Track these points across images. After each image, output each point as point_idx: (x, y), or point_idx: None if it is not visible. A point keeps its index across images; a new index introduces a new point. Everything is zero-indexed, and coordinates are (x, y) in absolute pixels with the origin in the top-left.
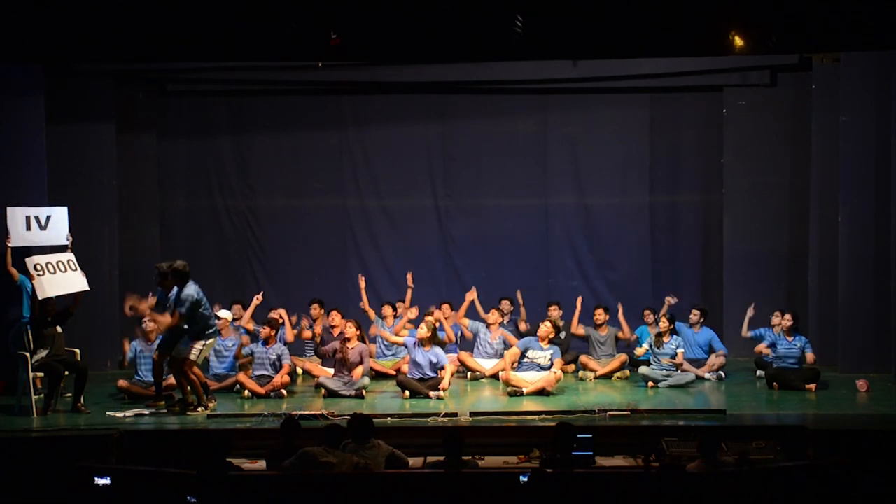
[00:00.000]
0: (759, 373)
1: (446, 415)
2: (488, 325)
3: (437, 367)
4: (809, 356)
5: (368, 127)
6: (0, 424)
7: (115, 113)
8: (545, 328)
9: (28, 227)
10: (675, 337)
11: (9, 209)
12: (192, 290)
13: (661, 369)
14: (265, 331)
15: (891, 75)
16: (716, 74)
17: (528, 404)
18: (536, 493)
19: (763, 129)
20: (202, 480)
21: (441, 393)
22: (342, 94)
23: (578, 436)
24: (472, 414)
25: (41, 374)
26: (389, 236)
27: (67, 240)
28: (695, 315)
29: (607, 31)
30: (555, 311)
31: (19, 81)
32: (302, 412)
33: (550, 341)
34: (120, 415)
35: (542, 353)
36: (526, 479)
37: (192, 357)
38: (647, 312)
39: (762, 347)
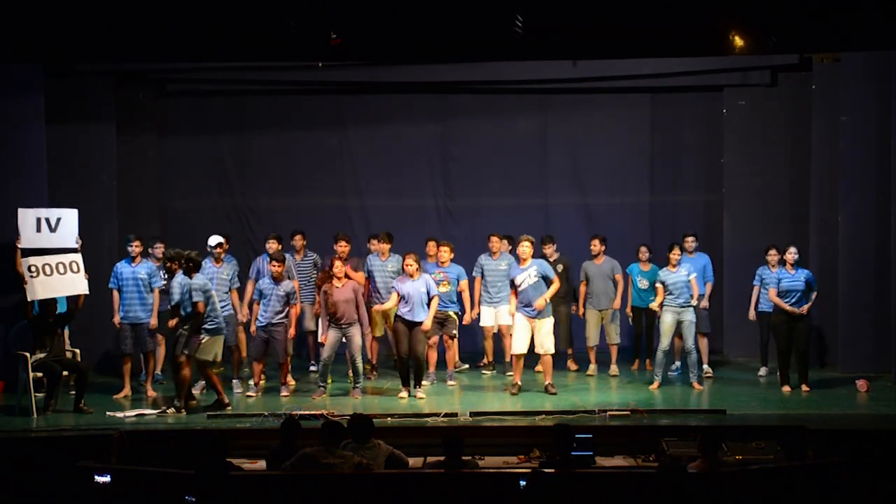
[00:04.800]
0: (761, 371)
1: (446, 415)
2: (492, 254)
3: (429, 297)
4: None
5: (368, 127)
6: (0, 424)
7: (115, 113)
8: (524, 248)
9: (38, 229)
10: (682, 264)
11: (20, 210)
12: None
13: (680, 304)
14: (275, 267)
15: (891, 75)
16: (716, 74)
17: (529, 404)
18: (535, 493)
19: (763, 129)
20: (202, 480)
21: (419, 392)
22: (342, 94)
23: (578, 436)
24: (472, 414)
25: (41, 374)
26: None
27: (77, 242)
28: (690, 242)
29: (607, 31)
30: (549, 249)
31: (19, 81)
32: (302, 412)
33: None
34: (120, 415)
35: (527, 272)
36: (525, 483)
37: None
38: (643, 248)
39: (773, 296)
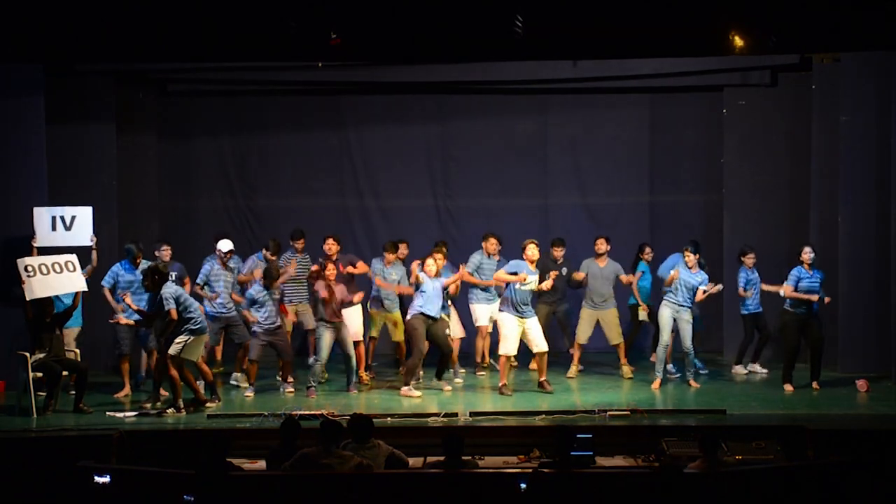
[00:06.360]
0: (736, 368)
1: (446, 415)
2: (488, 255)
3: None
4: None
5: (368, 127)
6: (0, 424)
7: (116, 113)
8: (535, 250)
9: (53, 228)
10: (701, 271)
11: (35, 209)
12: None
13: (680, 302)
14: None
15: (891, 75)
16: (716, 74)
17: (528, 403)
18: (535, 493)
19: (763, 129)
20: (202, 480)
21: (445, 385)
22: (342, 94)
23: (578, 436)
24: (472, 414)
25: (41, 374)
26: (389, 236)
27: (91, 240)
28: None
29: (607, 31)
30: (558, 251)
31: (19, 81)
32: (302, 412)
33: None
34: (120, 415)
35: (535, 277)
36: (525, 486)
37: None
38: (647, 249)
39: (789, 290)
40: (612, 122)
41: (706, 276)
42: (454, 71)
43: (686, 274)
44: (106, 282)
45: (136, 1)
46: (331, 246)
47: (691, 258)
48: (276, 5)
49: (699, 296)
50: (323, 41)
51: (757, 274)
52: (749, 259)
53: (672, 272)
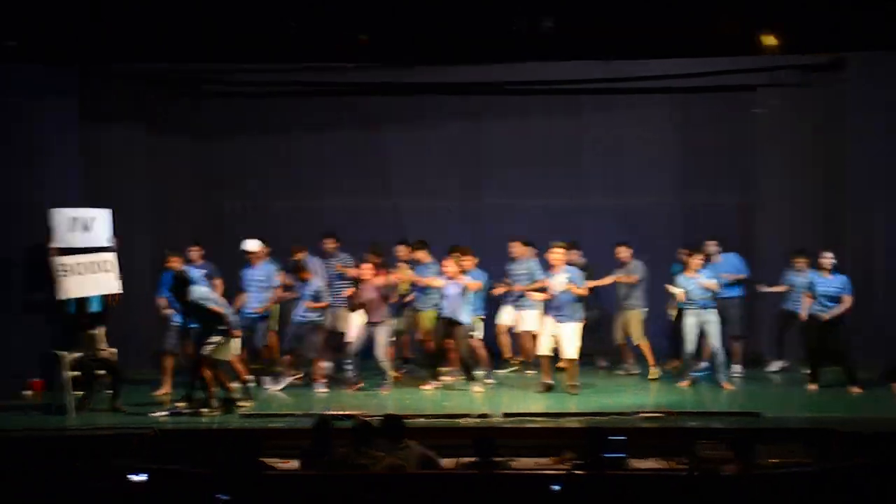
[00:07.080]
0: (772, 366)
1: (479, 415)
2: (512, 259)
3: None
4: (846, 300)
5: (402, 128)
6: (37, 423)
7: (149, 115)
8: (555, 255)
9: (72, 229)
10: (703, 270)
11: (54, 210)
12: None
13: (701, 306)
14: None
15: None
16: (749, 74)
17: (560, 405)
18: (568, 495)
19: (797, 129)
20: (236, 479)
21: (476, 387)
22: (374, 95)
23: (611, 438)
24: (505, 415)
25: (78, 373)
26: (422, 237)
27: (110, 242)
28: (712, 245)
29: (640, 31)
30: (574, 255)
31: (54, 83)
32: (333, 412)
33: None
34: (155, 414)
35: (559, 280)
36: (558, 489)
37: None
38: (684, 251)
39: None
40: (645, 123)
41: (707, 271)
42: (487, 72)
43: (689, 282)
44: (162, 292)
45: (170, 3)
46: (376, 261)
47: (695, 261)
48: (310, 7)
49: (709, 285)
50: (355, 43)
51: (811, 278)
52: (799, 262)
53: (679, 291)
